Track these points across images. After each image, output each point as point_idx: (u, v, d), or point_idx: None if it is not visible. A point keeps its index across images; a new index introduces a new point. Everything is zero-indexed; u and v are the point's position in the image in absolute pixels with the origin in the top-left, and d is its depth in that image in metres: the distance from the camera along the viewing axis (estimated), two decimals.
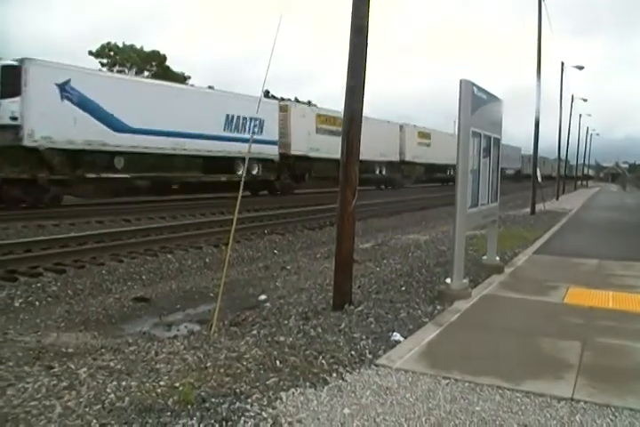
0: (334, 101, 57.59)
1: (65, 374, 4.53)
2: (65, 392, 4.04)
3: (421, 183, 54.54)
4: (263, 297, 8.70)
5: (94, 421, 3.53)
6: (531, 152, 26.09)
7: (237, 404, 3.81)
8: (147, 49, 56.03)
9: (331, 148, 33.91)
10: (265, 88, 6.68)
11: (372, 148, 32.46)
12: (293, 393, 4.07)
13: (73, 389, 4.11)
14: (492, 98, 8.44)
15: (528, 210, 22.66)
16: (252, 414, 3.68)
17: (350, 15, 6.53)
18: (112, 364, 4.80)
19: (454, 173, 7.47)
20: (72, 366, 4.75)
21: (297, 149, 34.21)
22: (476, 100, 7.47)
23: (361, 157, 6.82)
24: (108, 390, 4.05)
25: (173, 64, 56.78)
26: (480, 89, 7.68)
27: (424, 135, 52.43)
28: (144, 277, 10.76)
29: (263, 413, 3.71)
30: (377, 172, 44.87)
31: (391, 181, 47.63)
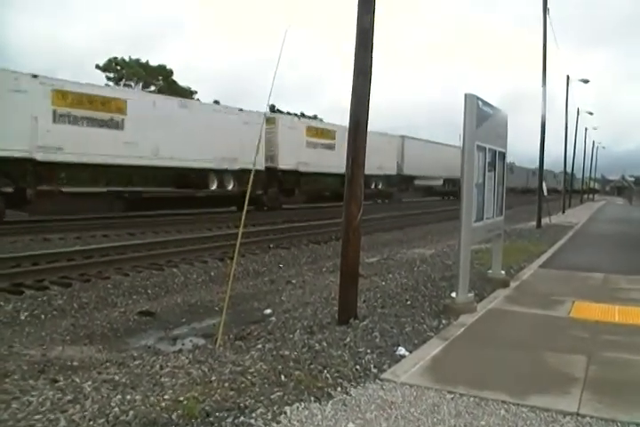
0: (342, 115, 57.83)
1: (69, 387, 4.54)
2: (69, 406, 4.04)
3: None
4: (268, 311, 8.69)
5: None
6: (535, 165, 26.08)
7: (241, 418, 3.81)
8: (153, 63, 56.53)
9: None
10: (271, 102, 6.72)
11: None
12: (298, 407, 4.06)
13: (77, 402, 4.11)
14: (497, 111, 8.46)
15: (534, 223, 22.62)
16: None
17: (355, 27, 6.58)
18: (117, 377, 4.80)
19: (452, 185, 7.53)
20: (77, 380, 4.76)
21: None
22: (480, 114, 7.49)
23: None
24: (113, 403, 4.05)
25: (181, 79, 57.17)
26: (485, 103, 7.71)
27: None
28: (149, 290, 10.76)
29: None
30: (373, 186, 42.03)
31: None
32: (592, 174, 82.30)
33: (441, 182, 54.70)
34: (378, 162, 37.94)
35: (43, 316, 8.77)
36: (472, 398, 4.33)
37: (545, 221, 23.34)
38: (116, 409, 3.93)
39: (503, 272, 9.47)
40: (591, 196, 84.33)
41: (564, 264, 11.88)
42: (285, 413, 3.95)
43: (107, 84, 41.14)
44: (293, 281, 11.61)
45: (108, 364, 5.69)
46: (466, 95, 7.17)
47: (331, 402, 4.20)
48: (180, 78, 57.63)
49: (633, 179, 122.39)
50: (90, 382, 4.64)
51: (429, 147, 51.17)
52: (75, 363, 6.00)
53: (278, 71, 6.32)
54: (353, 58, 6.62)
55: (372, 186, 40.79)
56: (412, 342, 5.83)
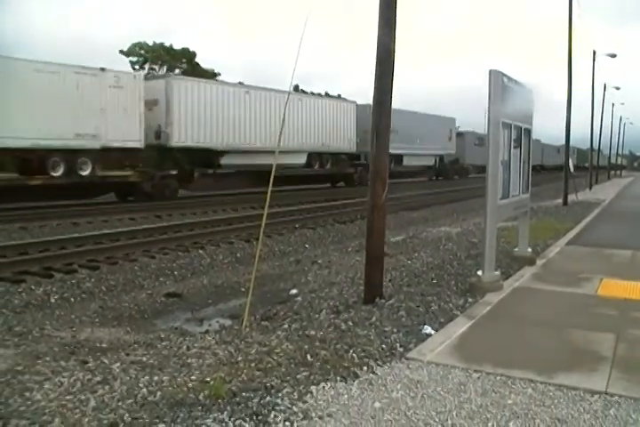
0: (365, 96, 57.36)
1: (99, 368, 4.60)
2: (99, 387, 4.10)
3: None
4: (294, 291, 8.71)
5: (127, 415, 3.57)
6: (559, 142, 25.67)
7: (268, 398, 3.83)
8: (176, 47, 56.48)
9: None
10: (295, 83, 6.66)
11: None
12: (324, 387, 4.07)
13: (107, 383, 4.17)
14: (523, 88, 8.33)
15: (560, 201, 22.36)
16: (283, 408, 3.69)
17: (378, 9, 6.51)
18: (144, 359, 4.86)
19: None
20: (106, 361, 4.83)
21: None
22: (505, 91, 7.38)
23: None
24: (141, 384, 4.10)
25: (204, 62, 57.12)
26: (510, 79, 7.58)
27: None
28: (176, 272, 10.87)
29: (294, 407, 3.72)
30: (317, 166, 34.54)
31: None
32: (620, 150, 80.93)
33: (432, 162, 46.17)
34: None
35: (72, 299, 8.92)
36: (499, 377, 4.31)
37: (572, 197, 23.06)
38: (144, 390, 3.97)
39: (530, 250, 9.38)
40: (619, 172, 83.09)
41: (591, 241, 11.73)
42: (311, 392, 3.97)
43: (133, 68, 41.07)
44: (319, 261, 11.62)
45: (135, 345, 5.75)
46: (490, 71, 7.06)
47: (357, 381, 4.21)
48: (205, 61, 57.56)
49: None
50: (118, 364, 4.70)
51: (410, 117, 39.07)
52: (104, 345, 6.07)
53: (302, 54, 6.21)
54: (376, 38, 6.54)
55: (317, 166, 34.05)
56: (437, 321, 5.82)
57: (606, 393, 4.03)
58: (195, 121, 25.51)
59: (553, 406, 3.83)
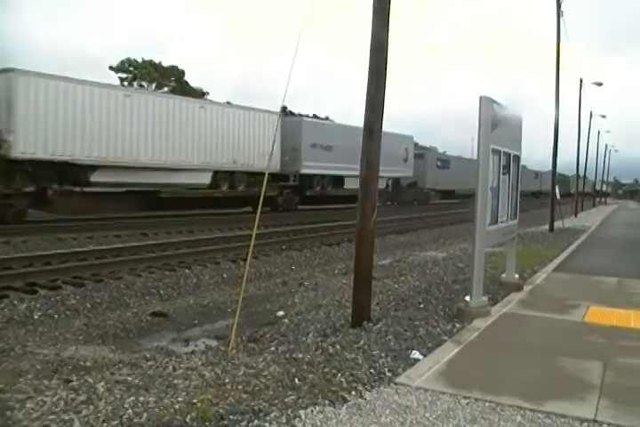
0: (356, 118, 57.44)
1: (83, 387, 4.54)
2: (83, 407, 4.04)
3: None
4: (281, 313, 8.67)
5: None
6: (547, 168, 25.93)
7: (256, 421, 3.79)
8: (165, 64, 56.78)
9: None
10: (285, 104, 6.64)
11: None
12: (312, 411, 4.03)
13: (91, 403, 4.11)
14: (512, 114, 8.41)
15: (546, 227, 22.50)
16: None
17: (370, 30, 6.58)
18: (130, 378, 4.80)
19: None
20: (90, 380, 4.76)
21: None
22: (495, 117, 7.45)
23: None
24: (126, 405, 4.05)
25: (193, 80, 57.44)
26: (500, 105, 7.66)
27: None
28: (162, 291, 10.78)
29: None
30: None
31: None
32: (605, 178, 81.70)
33: (382, 185, 37.76)
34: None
35: (56, 315, 8.81)
36: (487, 404, 4.29)
37: (557, 224, 23.21)
38: (130, 411, 3.92)
39: (517, 276, 9.40)
40: (603, 199, 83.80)
41: (578, 268, 11.78)
42: (300, 417, 3.93)
43: (121, 85, 41.13)
44: (306, 283, 11.59)
45: (120, 364, 5.69)
46: (481, 98, 7.12)
47: (345, 406, 4.17)
48: (193, 80, 57.88)
49: None
50: (103, 383, 4.64)
51: (354, 133, 30.14)
52: (88, 363, 6.01)
53: (292, 75, 6.19)
54: (367, 63, 6.62)
55: (226, 186, 28.74)
56: (425, 346, 5.79)
57: (595, 421, 4.01)
58: (49, 128, 20.50)
59: None
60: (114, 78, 52.17)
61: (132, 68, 55.56)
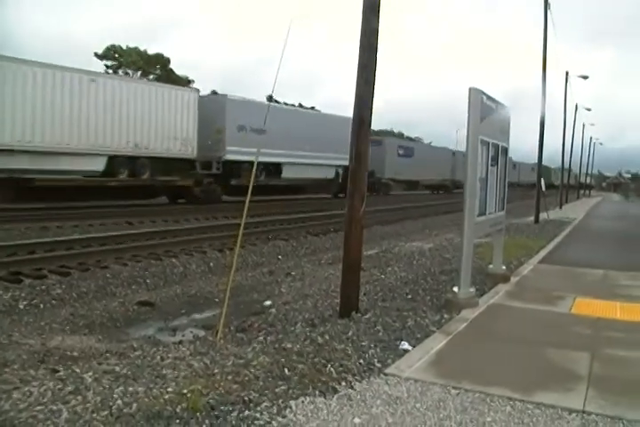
0: (343, 108, 57.14)
1: (70, 378, 4.48)
2: (71, 397, 3.99)
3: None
4: (268, 303, 8.66)
5: None
6: (532, 160, 26.01)
7: (247, 412, 3.78)
8: (151, 52, 56.37)
9: None
10: (272, 93, 6.62)
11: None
12: (303, 402, 4.03)
13: (79, 394, 4.06)
14: (501, 106, 8.42)
15: (532, 219, 22.62)
16: (262, 422, 3.65)
17: (361, 22, 6.54)
18: (117, 368, 4.75)
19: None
20: (77, 371, 4.70)
21: None
22: (484, 109, 7.45)
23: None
24: (115, 395, 4.00)
25: (179, 68, 57.09)
26: (489, 97, 7.66)
27: None
28: (148, 280, 10.73)
29: (273, 422, 3.67)
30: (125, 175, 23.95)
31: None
32: (589, 170, 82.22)
33: (331, 174, 35.78)
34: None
35: (41, 305, 8.74)
36: (477, 394, 4.30)
37: (543, 216, 23.33)
38: (119, 401, 3.88)
39: (504, 267, 9.44)
40: (587, 191, 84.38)
41: (564, 260, 11.86)
42: (290, 407, 3.92)
43: (106, 72, 40.64)
44: (293, 273, 11.58)
45: (108, 354, 5.66)
46: (470, 89, 7.12)
47: (336, 397, 4.17)
48: (179, 68, 57.54)
49: (629, 175, 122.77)
50: (90, 373, 4.58)
51: (294, 117, 31.12)
52: (74, 353, 5.97)
53: (278, 65, 6.03)
54: (357, 56, 6.58)
55: (125, 174, 23.98)
56: (414, 337, 5.80)
57: (584, 412, 4.04)
58: None
59: (532, 423, 3.83)
60: (99, 65, 51.78)
61: (117, 56, 55.06)
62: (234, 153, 26.88)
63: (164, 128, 24.72)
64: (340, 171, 35.13)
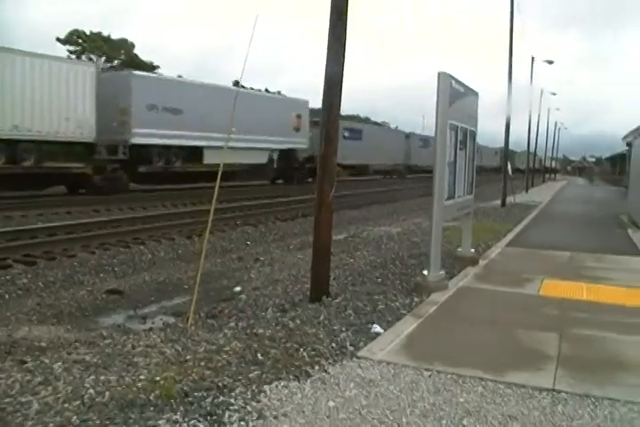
0: (308, 93, 56.87)
1: (39, 369, 4.41)
2: (41, 388, 3.92)
3: None
4: (238, 289, 8.63)
5: (74, 417, 3.43)
6: (495, 145, 26.24)
7: (221, 398, 3.75)
8: (115, 37, 55.42)
9: None
10: (238, 79, 6.52)
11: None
12: (277, 386, 4.02)
13: (49, 384, 3.99)
14: (469, 91, 8.46)
15: (498, 202, 22.86)
16: (237, 407, 3.63)
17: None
18: (87, 358, 4.69)
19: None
20: (46, 361, 4.63)
21: None
22: (453, 93, 7.46)
23: None
24: (87, 384, 3.95)
25: (144, 54, 56.26)
26: (458, 82, 7.68)
27: None
28: (116, 268, 10.59)
29: (248, 407, 3.65)
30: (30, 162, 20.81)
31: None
32: (554, 154, 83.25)
33: (263, 159, 31.75)
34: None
35: (7, 295, 8.57)
36: (449, 375, 4.34)
37: (509, 199, 23.60)
38: (91, 391, 3.82)
39: (472, 250, 9.53)
40: (553, 175, 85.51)
41: (531, 243, 12.02)
42: (265, 392, 3.91)
43: (69, 57, 39.74)
44: (262, 258, 11.55)
45: (77, 344, 5.57)
46: (439, 73, 7.13)
47: (309, 380, 4.17)
48: (144, 53, 56.66)
49: (594, 159, 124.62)
50: (60, 363, 4.51)
51: (217, 94, 25.79)
52: (42, 343, 5.86)
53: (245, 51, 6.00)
54: (326, 42, 6.53)
55: (30, 162, 20.85)
56: (385, 320, 5.83)
57: (554, 390, 4.10)
58: None
59: (503, 403, 3.88)
60: (62, 51, 50.73)
61: (80, 41, 53.99)
62: (142, 136, 23.90)
63: (51, 107, 20.98)
64: (275, 156, 32.50)
